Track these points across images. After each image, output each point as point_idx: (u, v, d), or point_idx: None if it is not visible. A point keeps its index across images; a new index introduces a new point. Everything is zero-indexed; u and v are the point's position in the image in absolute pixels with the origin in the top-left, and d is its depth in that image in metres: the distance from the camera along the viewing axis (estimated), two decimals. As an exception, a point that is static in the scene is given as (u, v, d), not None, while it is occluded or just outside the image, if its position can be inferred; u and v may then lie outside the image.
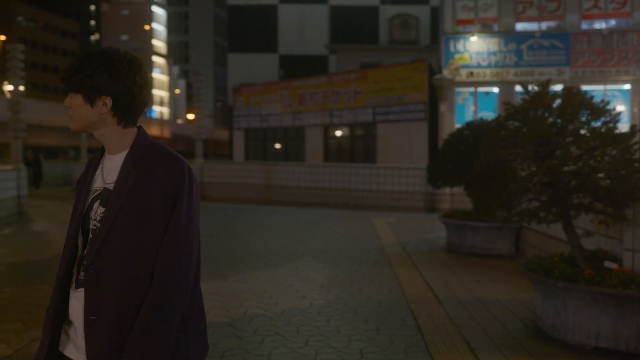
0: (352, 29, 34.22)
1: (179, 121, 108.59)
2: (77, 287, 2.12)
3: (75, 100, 2.11)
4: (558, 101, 6.35)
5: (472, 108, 22.50)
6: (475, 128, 11.31)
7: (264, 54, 35.48)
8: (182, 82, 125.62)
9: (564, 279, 5.58)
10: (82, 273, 2.10)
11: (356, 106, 25.25)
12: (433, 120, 23.02)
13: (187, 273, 2.08)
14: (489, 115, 19.86)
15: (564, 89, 6.42)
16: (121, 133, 2.15)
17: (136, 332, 2.01)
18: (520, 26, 22.18)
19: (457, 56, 22.15)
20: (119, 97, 2.10)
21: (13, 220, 15.83)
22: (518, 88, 21.75)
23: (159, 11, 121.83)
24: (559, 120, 6.27)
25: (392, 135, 24.22)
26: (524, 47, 21.70)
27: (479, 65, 22.03)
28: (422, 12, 33.69)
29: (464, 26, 22.49)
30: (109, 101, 2.10)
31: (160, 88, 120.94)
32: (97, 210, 2.11)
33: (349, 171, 20.91)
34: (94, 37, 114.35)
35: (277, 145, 29.84)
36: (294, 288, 7.91)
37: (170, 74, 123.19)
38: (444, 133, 20.08)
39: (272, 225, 15.20)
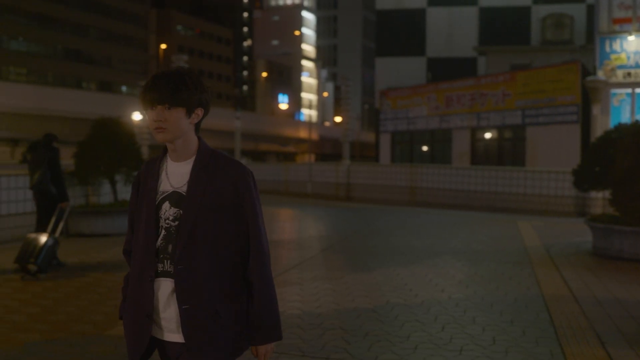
0: (502, 30, 33.74)
1: (327, 124, 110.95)
2: (161, 276, 2.41)
3: (176, 114, 2.38)
4: None
5: (628, 107, 21.59)
6: (625, 130, 11.08)
7: (411, 57, 35.82)
8: (330, 85, 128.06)
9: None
10: (165, 265, 2.41)
11: (504, 108, 24.99)
12: (586, 123, 22.34)
13: (268, 249, 2.51)
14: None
15: None
16: (192, 141, 2.46)
17: (259, 304, 2.46)
18: (683, 23, 20.98)
19: (612, 56, 21.36)
20: (206, 108, 2.47)
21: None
22: (679, 89, 20.66)
23: (308, 16, 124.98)
24: None
25: (542, 138, 23.75)
26: (686, 45, 20.53)
27: (637, 66, 21.12)
28: (577, 11, 32.59)
29: (620, 25, 21.63)
30: (201, 112, 2.45)
31: (309, 91, 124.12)
32: (169, 210, 2.42)
33: (495, 174, 20.81)
34: (246, 43, 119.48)
35: (424, 148, 30.07)
36: (433, 282, 8.30)
37: (318, 77, 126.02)
38: (597, 132, 19.46)
39: (415, 226, 15.58)
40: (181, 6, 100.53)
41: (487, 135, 26.85)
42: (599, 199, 18.03)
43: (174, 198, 2.42)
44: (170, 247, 2.40)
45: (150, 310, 2.41)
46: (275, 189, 29.88)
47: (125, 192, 13.58)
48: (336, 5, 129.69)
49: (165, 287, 2.41)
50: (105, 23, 77.83)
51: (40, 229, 9.20)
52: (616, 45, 21.36)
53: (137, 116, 37.02)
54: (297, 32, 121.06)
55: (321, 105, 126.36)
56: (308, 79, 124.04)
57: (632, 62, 21.16)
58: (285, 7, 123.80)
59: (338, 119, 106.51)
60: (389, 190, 24.11)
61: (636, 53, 21.13)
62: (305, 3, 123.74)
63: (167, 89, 2.35)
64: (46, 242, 8.50)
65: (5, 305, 6.99)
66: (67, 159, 12.35)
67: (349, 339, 5.71)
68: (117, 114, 50.36)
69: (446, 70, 33.54)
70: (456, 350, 5.39)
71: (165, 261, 2.41)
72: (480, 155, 26.80)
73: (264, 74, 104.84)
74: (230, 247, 2.43)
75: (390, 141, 31.39)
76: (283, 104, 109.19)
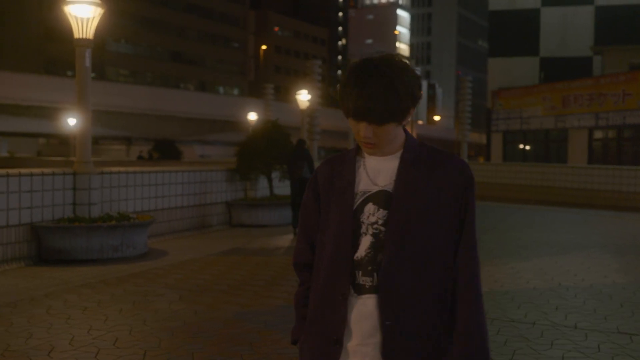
0: (619, 28, 33.40)
1: (420, 122, 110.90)
2: (360, 292, 2.03)
3: (387, 128, 2.01)
4: None
5: None
6: None
7: (524, 57, 35.93)
8: (423, 84, 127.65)
9: None
10: (373, 279, 2.02)
11: (625, 108, 24.99)
12: None
13: (479, 264, 2.11)
14: None
15: None
16: (399, 135, 2.07)
17: (466, 325, 2.03)
18: None
19: None
20: (417, 102, 2.07)
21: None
22: None
23: (403, 14, 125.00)
24: None
25: (664, 137, 23.67)
26: None
27: None
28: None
29: None
30: (412, 110, 2.06)
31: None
32: (377, 213, 2.04)
33: (618, 173, 21.00)
34: (341, 43, 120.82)
35: (536, 147, 30.32)
36: (592, 270, 9.04)
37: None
38: None
39: (545, 222, 16.15)
40: (278, 7, 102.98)
41: (606, 135, 26.86)
42: None
43: (382, 199, 2.04)
44: (379, 257, 2.02)
45: (341, 335, 2.02)
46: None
47: (279, 188, 14.91)
48: (430, 3, 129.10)
49: (367, 305, 2.02)
50: (205, 24, 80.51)
51: (298, 206, 11.92)
52: None
53: (252, 116, 38.78)
54: (396, 32, 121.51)
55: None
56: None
57: None
58: (379, 6, 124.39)
59: (436, 118, 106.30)
60: (507, 188, 24.62)
61: None
62: (400, 1, 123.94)
63: (376, 106, 1.95)
64: None
65: (204, 279, 8.28)
66: (191, 156, 13.55)
67: (545, 309, 6.59)
68: (229, 114, 52.55)
69: (560, 70, 33.52)
70: (641, 323, 6.20)
71: (375, 274, 2.01)
72: (598, 154, 26.84)
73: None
74: (440, 257, 2.04)
75: (502, 140, 31.73)
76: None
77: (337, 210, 2.09)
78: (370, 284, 2.02)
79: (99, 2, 9.63)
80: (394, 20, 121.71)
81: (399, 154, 2.08)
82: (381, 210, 2.04)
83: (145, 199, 11.46)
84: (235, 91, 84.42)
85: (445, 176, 2.05)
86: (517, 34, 36.01)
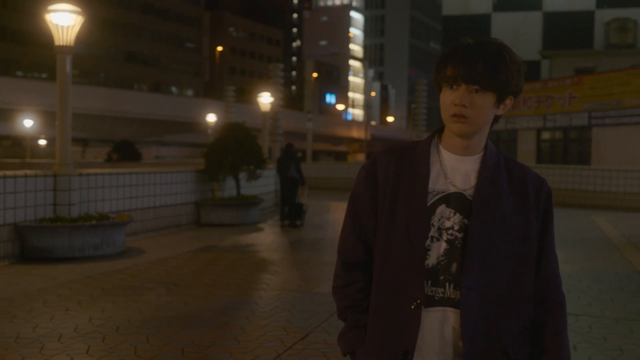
0: (566, 34, 34.86)
1: (373, 123, 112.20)
2: (428, 304, 1.87)
3: (485, 100, 1.84)
4: None
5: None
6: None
7: (476, 61, 37.09)
8: (376, 85, 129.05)
9: None
10: (447, 289, 1.87)
11: (571, 110, 26.27)
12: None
13: (561, 283, 2.01)
14: None
15: None
16: (486, 129, 1.93)
17: (552, 352, 1.93)
18: None
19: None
20: (517, 98, 1.95)
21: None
22: None
23: (356, 16, 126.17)
24: None
25: (609, 138, 24.99)
26: None
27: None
28: None
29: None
30: (511, 102, 1.92)
31: (356, 91, 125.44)
32: (452, 217, 1.88)
33: (565, 172, 22.15)
34: (296, 44, 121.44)
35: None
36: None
37: (366, 77, 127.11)
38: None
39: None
40: (233, 8, 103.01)
41: (553, 136, 28.16)
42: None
43: (459, 202, 1.89)
44: (454, 267, 1.87)
45: (412, 347, 1.86)
46: (343, 186, 31.53)
47: (246, 188, 15.47)
48: (384, 5, 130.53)
49: (442, 318, 1.87)
50: (159, 25, 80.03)
51: (288, 201, 14.20)
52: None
53: (211, 118, 39.10)
54: (350, 34, 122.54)
55: (368, 105, 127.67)
56: (355, 79, 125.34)
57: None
58: (333, 8, 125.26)
59: (390, 119, 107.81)
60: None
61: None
62: (354, 3, 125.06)
63: (481, 66, 1.81)
64: (304, 208, 14.23)
65: (186, 274, 8.82)
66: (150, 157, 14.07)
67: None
68: (187, 116, 52.50)
69: (510, 73, 34.63)
70: (586, 305, 6.99)
71: (448, 284, 1.87)
72: (546, 155, 28.11)
73: (315, 75, 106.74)
74: (522, 272, 1.90)
75: (454, 141, 32.81)
76: (340, 105, 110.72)
77: (406, 208, 1.90)
78: (442, 295, 1.86)
79: (79, 10, 10.06)
80: (347, 22, 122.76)
81: (478, 157, 1.93)
82: (458, 215, 1.88)
83: (121, 199, 11.89)
84: (190, 92, 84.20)
85: (525, 187, 1.93)
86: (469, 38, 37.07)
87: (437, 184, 1.91)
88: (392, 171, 1.95)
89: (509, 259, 1.89)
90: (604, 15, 34.30)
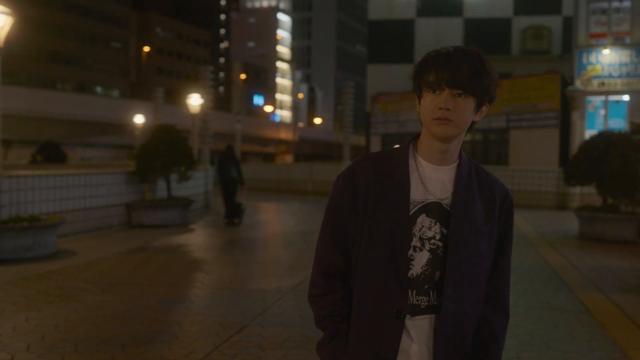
0: (485, 40, 36.17)
1: (300, 124, 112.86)
2: (414, 313, 1.90)
3: (467, 104, 1.88)
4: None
5: (602, 112, 24.13)
6: (606, 138, 13.41)
7: (401, 64, 38.10)
8: (304, 87, 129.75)
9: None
10: (431, 297, 1.90)
11: (490, 113, 27.36)
12: (563, 127, 24.82)
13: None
14: (619, 121, 21.56)
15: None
16: (461, 140, 1.98)
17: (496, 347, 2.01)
18: (651, 39, 23.61)
19: (589, 67, 23.86)
20: (491, 104, 1.98)
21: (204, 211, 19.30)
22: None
23: (283, 18, 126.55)
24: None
25: (524, 140, 26.24)
26: (654, 58, 23.15)
27: (610, 76, 23.64)
28: (554, 23, 35.21)
29: (597, 39, 24.16)
30: (486, 108, 1.97)
31: (283, 92, 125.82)
32: (433, 227, 1.92)
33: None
34: (223, 45, 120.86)
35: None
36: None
37: (293, 78, 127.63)
38: (576, 139, 21.95)
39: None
40: (160, 8, 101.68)
41: (474, 137, 29.31)
42: (577, 194, 20.43)
43: (437, 212, 1.93)
44: (437, 275, 1.91)
45: (394, 356, 1.90)
46: (277, 187, 31.90)
47: (177, 189, 15.61)
48: (311, 8, 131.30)
49: (422, 328, 1.91)
50: (84, 24, 78.35)
51: (229, 201, 14.93)
52: (592, 58, 23.86)
53: (139, 119, 38.65)
54: (278, 37, 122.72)
55: (295, 107, 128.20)
56: (282, 81, 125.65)
57: (606, 72, 23.68)
58: (261, 10, 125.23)
59: (317, 121, 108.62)
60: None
61: (610, 65, 23.66)
62: (281, 5, 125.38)
63: (466, 70, 1.86)
64: (242, 207, 15.00)
65: (120, 274, 9.01)
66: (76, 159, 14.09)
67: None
68: (113, 117, 51.45)
69: (433, 77, 35.79)
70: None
71: (432, 293, 1.91)
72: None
73: (243, 76, 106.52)
74: (484, 279, 1.98)
75: (380, 143, 33.64)
76: (268, 106, 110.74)
77: (389, 218, 1.91)
78: (427, 304, 1.90)
79: (10, 11, 10.05)
80: (275, 24, 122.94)
81: (454, 166, 1.97)
82: (438, 224, 1.92)
83: (52, 201, 11.89)
84: (116, 93, 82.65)
85: (493, 197, 1.99)
86: (394, 42, 38.16)
87: (417, 193, 1.93)
88: (372, 180, 1.95)
89: (481, 267, 1.95)
90: (521, 22, 35.86)
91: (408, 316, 1.89)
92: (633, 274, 9.06)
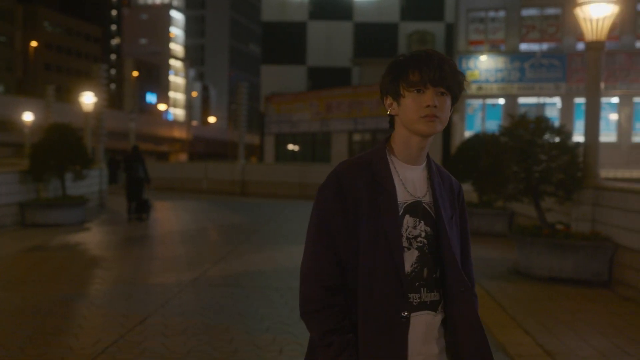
0: (374, 43, 37.53)
1: (194, 123, 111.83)
2: (413, 310, 1.96)
3: (448, 102, 1.98)
4: (532, 125, 9.64)
5: (480, 115, 25.84)
6: (480, 139, 14.61)
7: (294, 65, 38.87)
8: (198, 85, 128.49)
9: (531, 235, 8.90)
10: (422, 294, 1.97)
11: (378, 114, 28.65)
12: (446, 128, 26.33)
13: None
14: (495, 123, 23.16)
15: (536, 117, 9.71)
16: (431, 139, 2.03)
17: (479, 343, 2.03)
18: (524, 47, 25.56)
19: (468, 72, 25.50)
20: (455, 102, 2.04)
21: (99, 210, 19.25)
22: (520, 100, 25.12)
23: (177, 15, 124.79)
24: (533, 137, 9.55)
25: (410, 140, 27.62)
26: (526, 65, 25.07)
27: (487, 81, 25.37)
28: (437, 29, 37.03)
29: (475, 46, 25.85)
30: (453, 107, 2.05)
31: (177, 90, 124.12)
32: (418, 225, 1.99)
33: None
34: (115, 41, 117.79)
35: (305, 149, 33.36)
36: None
37: (187, 76, 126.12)
38: (456, 139, 23.43)
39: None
40: (48, 2, 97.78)
41: (363, 138, 30.52)
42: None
43: (420, 210, 2.00)
44: (425, 272, 1.98)
45: (406, 356, 1.95)
46: (171, 186, 31.84)
47: (72, 188, 15.58)
48: (204, 6, 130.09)
49: (421, 323, 1.97)
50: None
51: (135, 198, 15.66)
52: (471, 63, 25.51)
53: (28, 117, 37.41)
54: (171, 34, 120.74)
55: (189, 105, 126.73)
56: (176, 79, 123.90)
57: (483, 77, 25.39)
58: (153, 6, 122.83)
59: (212, 119, 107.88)
60: (279, 185, 27.05)
61: (487, 70, 25.38)
62: (174, 2, 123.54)
63: (448, 70, 1.96)
64: (149, 203, 15.87)
65: (18, 272, 9.19)
66: None
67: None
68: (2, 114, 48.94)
69: (325, 78, 36.96)
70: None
71: (423, 289, 1.97)
72: (356, 155, 30.36)
73: (135, 73, 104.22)
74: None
75: (274, 142, 34.30)
76: (161, 104, 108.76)
77: (382, 223, 1.94)
78: (419, 300, 1.96)
79: None
80: (168, 21, 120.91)
81: (423, 166, 2.06)
82: (422, 223, 1.99)
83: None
84: (1, 89, 78.88)
85: (453, 191, 2.11)
86: (287, 43, 38.88)
87: (400, 195, 1.99)
88: (361, 186, 1.98)
89: (457, 255, 2.04)
90: (407, 28, 37.49)
91: (402, 312, 1.94)
92: (502, 263, 10.10)
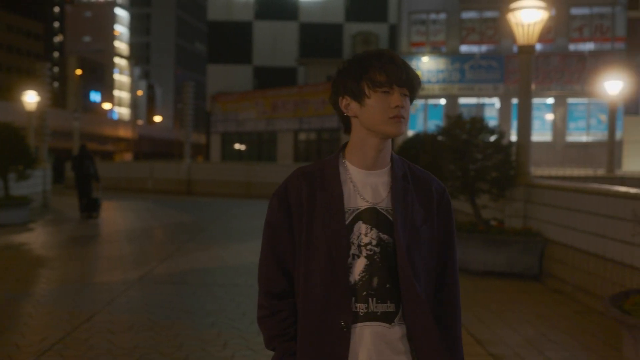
0: (319, 44, 37.92)
1: (140, 122, 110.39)
2: (353, 321, 1.89)
3: (408, 103, 1.93)
4: (468, 125, 10.07)
5: (422, 115, 26.48)
6: (420, 138, 15.06)
7: (240, 65, 38.92)
8: (143, 84, 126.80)
9: (467, 231, 9.32)
10: (370, 305, 1.89)
11: (323, 114, 29.02)
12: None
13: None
14: (437, 122, 23.76)
15: (471, 118, 10.14)
16: (390, 143, 1.98)
17: (448, 347, 1.98)
18: (464, 48, 26.29)
19: (411, 73, 26.06)
20: None
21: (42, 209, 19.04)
22: (461, 100, 25.83)
23: (121, 13, 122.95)
24: (469, 137, 9.98)
25: (355, 139, 28.10)
26: (466, 66, 25.80)
27: (429, 82, 25.98)
28: (381, 30, 37.63)
29: (417, 47, 26.45)
30: None
31: (122, 89, 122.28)
32: (369, 233, 1.91)
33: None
34: (57, 39, 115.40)
35: (250, 148, 33.49)
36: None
37: (132, 75, 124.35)
38: (399, 139, 23.90)
39: (259, 212, 18.73)
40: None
41: (308, 137, 30.84)
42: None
43: (373, 217, 1.93)
44: (375, 281, 1.90)
45: None
46: (116, 185, 31.54)
47: (15, 188, 15.41)
48: (150, 3, 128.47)
49: (369, 335, 1.90)
50: None
51: (85, 196, 15.97)
52: (413, 64, 26.06)
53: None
54: (116, 32, 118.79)
55: (134, 104, 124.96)
56: (121, 77, 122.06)
57: (425, 78, 26.00)
58: (97, 3, 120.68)
59: (157, 119, 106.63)
60: (226, 185, 27.15)
61: (429, 71, 26.00)
62: (119, 0, 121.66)
63: (410, 71, 1.94)
64: (99, 202, 16.13)
65: (-18, 272, 9.17)
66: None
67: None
68: None
69: (271, 78, 37.16)
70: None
71: (371, 300, 1.89)
72: (302, 154, 30.70)
73: (79, 72, 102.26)
74: (431, 275, 1.99)
75: (220, 141, 34.33)
76: (106, 103, 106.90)
77: (325, 230, 1.91)
78: (365, 310, 1.89)
79: None
80: (112, 19, 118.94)
81: (386, 170, 1.97)
82: (374, 230, 1.91)
83: None
84: None
85: (431, 196, 1.99)
86: (233, 43, 38.92)
87: (350, 201, 1.93)
88: (304, 194, 1.95)
89: (423, 267, 1.94)
90: (351, 29, 38.00)
91: (350, 323, 1.89)
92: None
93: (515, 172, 9.72)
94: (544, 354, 5.68)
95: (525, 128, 10.06)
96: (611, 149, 19.41)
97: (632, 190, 7.03)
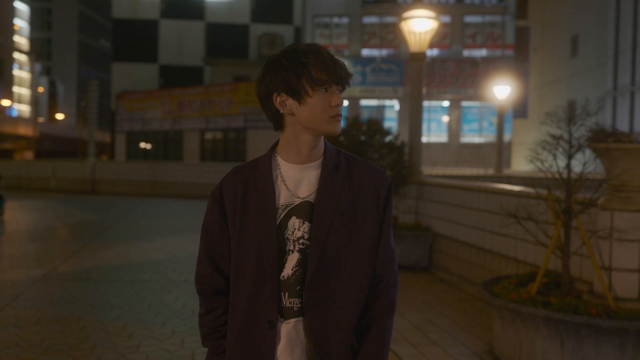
0: (225, 44, 38.05)
1: (41, 120, 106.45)
2: (288, 316, 1.89)
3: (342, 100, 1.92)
4: (365, 126, 10.69)
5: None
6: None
7: (145, 63, 38.51)
8: (44, 80, 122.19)
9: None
10: (294, 299, 1.89)
11: (229, 114, 29.26)
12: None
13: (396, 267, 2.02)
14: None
15: (368, 119, 10.77)
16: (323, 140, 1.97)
17: (373, 340, 1.93)
18: (365, 52, 27.21)
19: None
20: None
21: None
22: (362, 102, 26.73)
23: (21, 6, 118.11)
24: (366, 137, 10.59)
25: (260, 139, 28.46)
26: (367, 69, 26.73)
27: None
28: (286, 32, 38.17)
29: (321, 50, 27.11)
30: None
31: (22, 85, 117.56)
32: (302, 227, 1.90)
33: (225, 169, 24.80)
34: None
35: (156, 147, 33.25)
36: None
37: (32, 71, 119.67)
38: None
39: (163, 211, 18.85)
40: None
41: (214, 136, 30.99)
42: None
43: (306, 211, 1.91)
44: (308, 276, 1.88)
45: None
46: (17, 185, 30.61)
47: None
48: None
49: (297, 330, 1.91)
50: None
51: None
52: (318, 66, 26.77)
53: None
54: (16, 26, 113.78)
55: (35, 101, 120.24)
56: (20, 73, 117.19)
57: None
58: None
59: (60, 116, 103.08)
60: (132, 184, 26.95)
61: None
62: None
63: (345, 68, 1.92)
64: (4, 198, 16.14)
65: None
66: None
67: (165, 272, 9.03)
68: None
69: (177, 77, 37.01)
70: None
71: (303, 294, 1.89)
72: (209, 153, 30.83)
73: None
74: (362, 267, 1.93)
75: (125, 140, 33.92)
76: (5, 100, 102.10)
77: (256, 228, 1.90)
78: (299, 305, 1.89)
79: None
80: (11, 13, 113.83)
81: (319, 162, 1.95)
82: (306, 223, 1.90)
83: None
84: None
85: (365, 182, 1.95)
86: (139, 41, 38.49)
87: (283, 197, 1.92)
88: (239, 192, 1.95)
89: (347, 257, 1.90)
90: (257, 30, 38.34)
91: (282, 319, 1.89)
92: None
93: (408, 171, 10.40)
94: (428, 336, 6.28)
95: (416, 130, 10.77)
96: (499, 150, 20.61)
97: (500, 186, 7.82)
